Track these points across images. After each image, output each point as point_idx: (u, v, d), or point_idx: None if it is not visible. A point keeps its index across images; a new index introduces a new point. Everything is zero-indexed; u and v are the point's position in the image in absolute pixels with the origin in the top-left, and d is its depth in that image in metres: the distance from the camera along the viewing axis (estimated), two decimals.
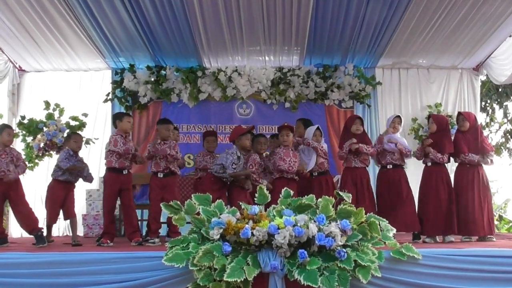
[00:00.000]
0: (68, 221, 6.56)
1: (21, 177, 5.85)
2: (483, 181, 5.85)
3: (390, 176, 5.99)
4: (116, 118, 6.02)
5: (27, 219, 5.64)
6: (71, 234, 6.19)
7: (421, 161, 6.11)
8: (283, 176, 5.91)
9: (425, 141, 5.98)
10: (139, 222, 6.44)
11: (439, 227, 5.69)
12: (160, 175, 5.77)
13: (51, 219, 6.01)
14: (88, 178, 6.20)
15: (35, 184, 7.81)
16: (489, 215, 5.77)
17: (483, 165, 5.90)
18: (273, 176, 6.01)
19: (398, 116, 6.24)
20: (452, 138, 6.08)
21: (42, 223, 5.93)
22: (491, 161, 5.95)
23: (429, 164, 5.93)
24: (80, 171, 6.04)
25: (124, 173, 5.73)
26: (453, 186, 5.90)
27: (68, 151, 6.01)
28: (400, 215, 5.66)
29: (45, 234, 5.74)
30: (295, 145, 6.22)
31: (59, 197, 5.96)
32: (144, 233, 6.28)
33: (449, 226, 5.68)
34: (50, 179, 6.14)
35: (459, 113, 6.18)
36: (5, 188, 5.57)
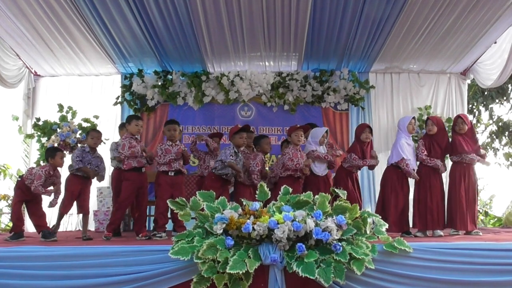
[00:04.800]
0: (81, 216, 6.53)
1: None
2: (474, 179, 5.84)
3: (401, 174, 5.90)
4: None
5: (38, 220, 5.72)
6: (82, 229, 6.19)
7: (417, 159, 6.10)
8: (290, 175, 5.85)
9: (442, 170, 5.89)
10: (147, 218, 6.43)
11: (436, 222, 5.68)
12: (171, 173, 5.77)
13: (63, 208, 5.90)
14: (98, 178, 6.12)
15: None
16: (475, 211, 5.78)
17: (479, 164, 5.86)
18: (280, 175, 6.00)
19: (414, 117, 6.16)
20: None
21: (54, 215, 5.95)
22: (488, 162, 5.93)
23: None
24: (89, 174, 5.91)
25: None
26: (448, 183, 5.91)
27: (84, 148, 5.99)
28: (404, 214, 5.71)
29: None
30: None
31: (75, 190, 5.86)
32: (151, 228, 6.28)
33: (441, 221, 5.71)
34: (63, 176, 6.13)
35: (459, 116, 6.08)
36: (26, 189, 5.64)
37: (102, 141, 6.35)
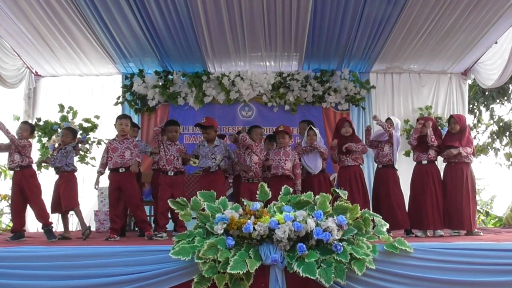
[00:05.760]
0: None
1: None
2: (471, 179, 5.84)
3: (382, 175, 6.02)
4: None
5: (38, 213, 5.68)
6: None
7: (413, 159, 6.12)
8: (274, 175, 5.89)
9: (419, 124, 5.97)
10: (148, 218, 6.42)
11: (431, 222, 5.69)
12: (171, 173, 5.78)
13: (51, 209, 6.00)
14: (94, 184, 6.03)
15: (50, 181, 7.81)
16: (473, 211, 5.78)
17: (466, 161, 5.84)
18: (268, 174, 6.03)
19: (389, 118, 6.24)
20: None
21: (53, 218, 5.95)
22: (467, 155, 5.84)
23: (425, 162, 5.91)
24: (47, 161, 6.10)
25: (120, 171, 5.72)
26: (442, 182, 5.91)
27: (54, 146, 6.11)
28: (392, 214, 5.70)
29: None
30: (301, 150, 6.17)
31: (55, 188, 6.00)
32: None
33: (440, 221, 5.71)
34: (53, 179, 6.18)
35: (451, 116, 6.14)
36: (19, 181, 5.61)
37: (75, 139, 6.36)
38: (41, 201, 5.72)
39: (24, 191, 5.64)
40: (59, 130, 7.68)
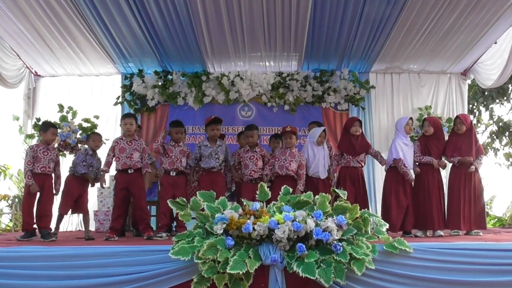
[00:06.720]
0: (81, 216, 6.53)
1: None
2: (476, 179, 5.85)
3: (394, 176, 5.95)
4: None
5: (44, 218, 5.65)
6: (83, 229, 6.18)
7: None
8: (278, 175, 5.89)
9: (440, 164, 5.88)
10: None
11: (431, 222, 5.68)
12: (173, 173, 5.78)
13: (62, 210, 5.88)
14: (100, 183, 6.07)
15: None
16: (481, 211, 5.80)
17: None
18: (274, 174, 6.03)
19: (411, 118, 6.19)
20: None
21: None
22: (477, 166, 5.90)
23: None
24: (90, 181, 5.95)
25: (128, 172, 5.70)
26: (448, 183, 5.94)
27: (87, 151, 5.96)
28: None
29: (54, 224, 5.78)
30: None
31: (75, 191, 5.87)
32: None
33: (442, 222, 5.72)
34: (63, 175, 6.09)
35: (457, 116, 6.11)
36: (40, 186, 5.58)
37: (103, 143, 6.34)
38: (51, 209, 5.75)
39: (41, 194, 5.65)
40: (59, 130, 7.65)
